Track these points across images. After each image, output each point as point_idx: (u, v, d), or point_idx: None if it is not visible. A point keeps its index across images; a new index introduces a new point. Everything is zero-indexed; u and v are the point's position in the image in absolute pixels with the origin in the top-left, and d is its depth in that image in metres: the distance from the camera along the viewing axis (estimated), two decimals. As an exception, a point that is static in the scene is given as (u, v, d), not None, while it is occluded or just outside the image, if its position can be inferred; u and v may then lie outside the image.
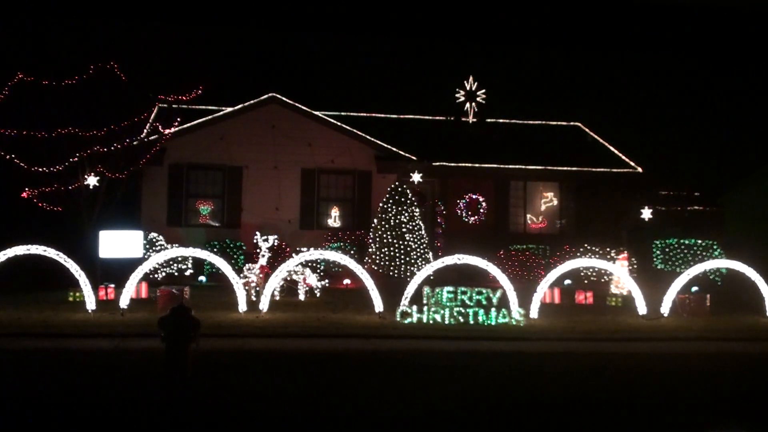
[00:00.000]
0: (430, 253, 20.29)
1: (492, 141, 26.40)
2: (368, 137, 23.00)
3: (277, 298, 16.01)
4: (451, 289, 14.05)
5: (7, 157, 17.97)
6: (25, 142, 18.08)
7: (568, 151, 25.93)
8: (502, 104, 29.46)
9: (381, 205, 20.54)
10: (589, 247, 21.70)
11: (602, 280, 20.54)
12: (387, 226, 20.02)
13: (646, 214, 22.22)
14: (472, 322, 13.50)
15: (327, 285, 17.88)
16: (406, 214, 20.07)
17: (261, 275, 16.32)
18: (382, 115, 28.49)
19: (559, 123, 29.72)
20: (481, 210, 24.62)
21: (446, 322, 13.57)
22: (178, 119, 20.65)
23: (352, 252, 20.14)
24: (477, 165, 24.36)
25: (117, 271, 16.40)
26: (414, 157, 22.85)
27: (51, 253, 13.78)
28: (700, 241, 21.57)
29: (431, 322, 13.61)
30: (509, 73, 45.49)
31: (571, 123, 29.85)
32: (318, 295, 16.92)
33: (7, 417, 6.91)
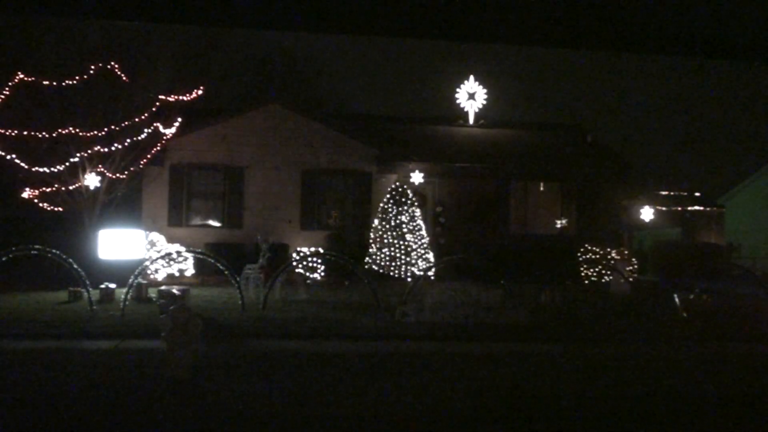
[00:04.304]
0: (431, 253, 20.31)
1: (492, 141, 26.42)
2: (369, 137, 23.03)
3: (277, 297, 16.02)
4: (451, 289, 14.04)
5: (8, 157, 18.00)
6: (26, 142, 18.12)
7: (568, 152, 25.96)
8: (502, 104, 29.55)
9: (381, 205, 20.57)
10: (589, 248, 21.72)
11: (603, 281, 20.56)
12: (387, 226, 20.04)
13: (646, 214, 22.25)
14: (472, 322, 13.50)
15: (327, 285, 17.90)
16: (407, 215, 20.09)
17: (261, 275, 16.34)
18: (382, 115, 28.52)
19: (559, 123, 29.74)
20: (481, 210, 24.63)
21: (447, 322, 13.56)
22: (179, 119, 20.68)
23: (352, 252, 20.16)
24: (477, 165, 24.38)
25: (117, 271, 16.43)
26: (414, 157, 22.87)
27: (51, 253, 13.77)
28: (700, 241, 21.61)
29: (431, 322, 13.60)
30: (510, 73, 45.54)
31: (571, 123, 29.86)
32: (318, 295, 16.94)
33: (6, 417, 6.91)
